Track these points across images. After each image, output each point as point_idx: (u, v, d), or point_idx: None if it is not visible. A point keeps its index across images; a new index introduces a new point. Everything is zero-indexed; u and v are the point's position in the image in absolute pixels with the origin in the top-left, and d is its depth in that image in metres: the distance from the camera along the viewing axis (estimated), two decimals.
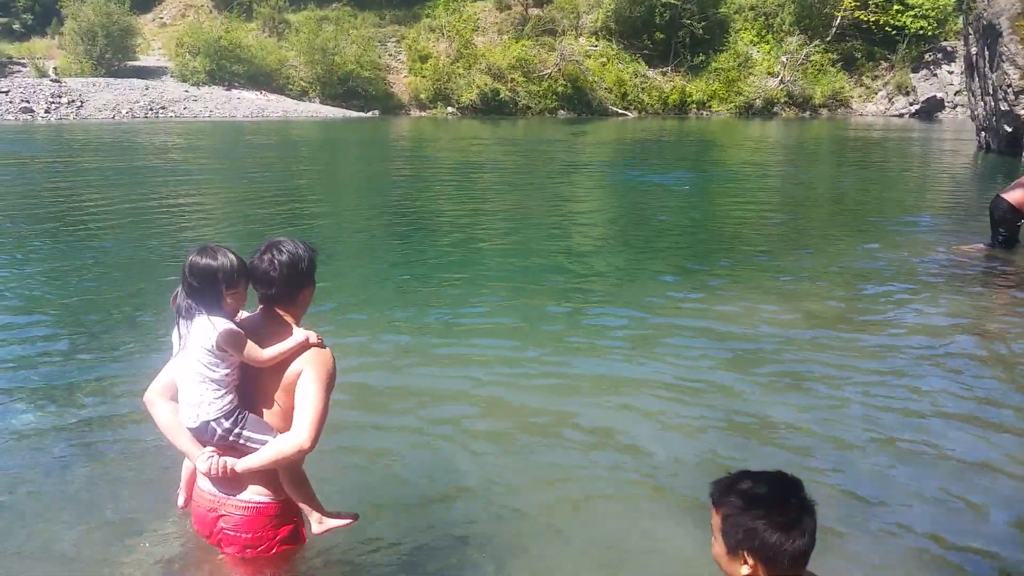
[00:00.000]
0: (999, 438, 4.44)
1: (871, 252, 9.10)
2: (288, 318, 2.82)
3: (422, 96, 38.90)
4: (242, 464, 2.75)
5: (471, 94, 38.02)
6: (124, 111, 30.96)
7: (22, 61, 37.37)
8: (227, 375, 2.72)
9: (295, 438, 2.67)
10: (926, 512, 3.72)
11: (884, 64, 41.56)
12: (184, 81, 36.67)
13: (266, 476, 2.81)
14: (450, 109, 38.48)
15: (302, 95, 38.23)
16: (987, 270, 8.38)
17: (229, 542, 2.87)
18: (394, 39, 42.01)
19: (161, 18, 45.39)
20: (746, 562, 1.90)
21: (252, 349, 2.70)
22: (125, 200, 12.41)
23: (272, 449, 2.72)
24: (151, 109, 31.69)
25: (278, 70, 38.41)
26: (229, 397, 2.74)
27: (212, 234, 9.98)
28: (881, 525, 3.59)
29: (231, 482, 2.80)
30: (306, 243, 2.83)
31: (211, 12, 43.38)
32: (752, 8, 42.96)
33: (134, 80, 35.37)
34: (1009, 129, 19.67)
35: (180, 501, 3.15)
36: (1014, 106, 19.06)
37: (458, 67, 38.89)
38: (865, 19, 40.24)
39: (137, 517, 3.55)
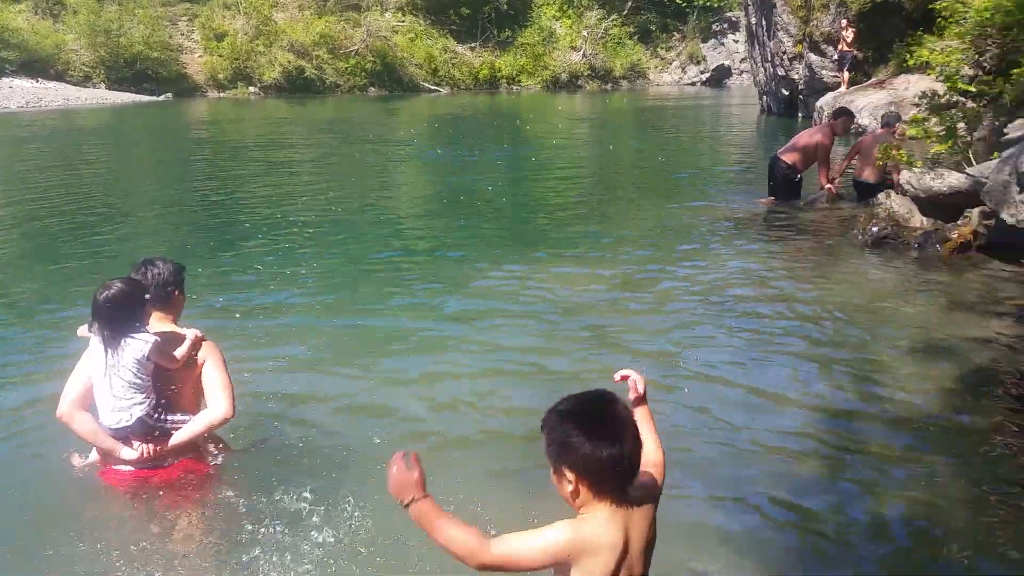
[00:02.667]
0: (783, 379, 4.80)
1: (670, 214, 9.58)
2: (168, 321, 3.48)
3: (220, 76, 36.82)
4: (175, 440, 3.36)
5: (273, 72, 36.46)
6: None
7: None
8: (149, 379, 3.32)
9: (220, 410, 3.35)
10: (712, 460, 3.94)
11: (677, 35, 44.03)
12: None
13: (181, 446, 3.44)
14: (252, 89, 36.73)
15: (85, 81, 35.12)
16: (772, 221, 9.06)
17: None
18: (185, 18, 39.44)
19: None
20: (567, 478, 1.96)
21: (168, 355, 3.33)
22: None
23: (203, 422, 3.38)
24: None
25: (55, 55, 34.97)
26: (151, 397, 3.34)
27: (8, 246, 8.82)
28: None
29: (156, 459, 3.40)
30: (172, 261, 3.55)
31: None
32: None
33: None
34: (786, 92, 21.44)
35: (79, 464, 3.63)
36: (789, 71, 20.77)
37: (258, 44, 37.12)
38: None
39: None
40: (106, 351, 3.26)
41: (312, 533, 3.30)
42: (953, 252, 7.05)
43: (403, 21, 40.80)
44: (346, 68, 37.93)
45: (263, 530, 3.30)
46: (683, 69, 43.19)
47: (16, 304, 6.57)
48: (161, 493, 3.37)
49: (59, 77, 34.67)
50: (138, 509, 3.38)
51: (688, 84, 41.74)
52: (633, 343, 5.34)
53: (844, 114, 9.83)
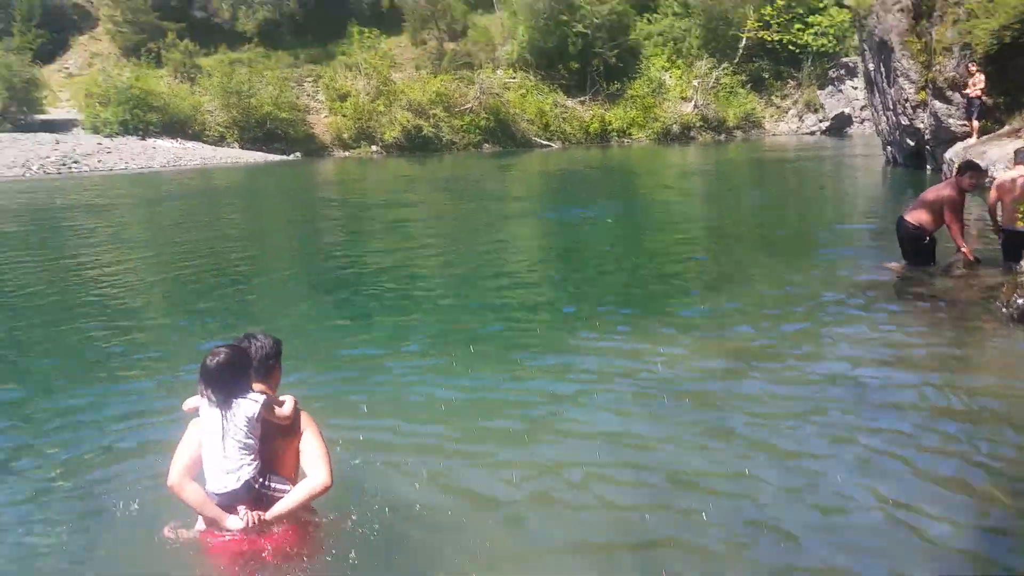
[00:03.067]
0: (928, 471, 4.57)
1: (791, 279, 9.27)
2: (267, 391, 3.66)
3: (344, 136, 38.70)
4: (274, 512, 3.50)
5: (394, 131, 38.02)
6: (35, 167, 29.86)
7: None
8: (256, 443, 3.52)
9: (320, 480, 3.52)
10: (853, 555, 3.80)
11: (792, 83, 43.24)
12: (96, 133, 35.66)
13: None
14: (374, 148, 38.37)
15: (220, 140, 37.61)
16: (903, 289, 8.67)
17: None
18: (310, 78, 41.79)
19: (67, 68, 44.19)
20: None
21: (276, 410, 3.59)
22: (46, 266, 11.92)
23: (304, 492, 3.53)
24: (63, 164, 30.63)
25: (193, 116, 37.71)
26: (258, 460, 3.54)
27: (143, 300, 9.62)
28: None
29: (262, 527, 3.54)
30: (271, 335, 3.78)
31: (118, 60, 42.43)
32: (661, 34, 44.27)
33: (43, 134, 34.24)
34: (911, 143, 20.61)
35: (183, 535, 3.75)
36: (913, 120, 19.99)
37: (378, 105, 38.87)
38: (769, 39, 41.86)
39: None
40: (221, 414, 3.49)
41: None
42: None
43: (514, 77, 41.83)
44: (461, 125, 39.12)
45: None
46: (800, 117, 42.28)
47: (144, 357, 7.05)
48: (263, 561, 3.48)
49: (197, 137, 37.30)
50: None
51: (806, 133, 40.80)
52: (748, 432, 5.10)
53: (971, 168, 9.14)
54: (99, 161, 31.70)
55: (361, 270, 11.22)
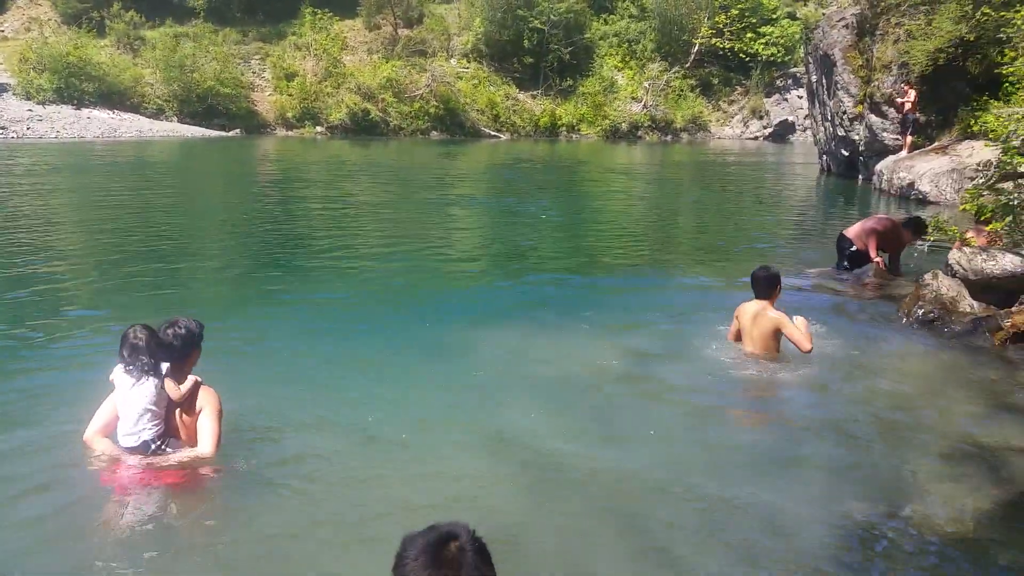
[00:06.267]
0: (795, 491, 4.54)
1: (706, 283, 9.27)
2: (182, 368, 4.35)
3: (288, 115, 37.87)
4: (164, 461, 4.21)
5: (340, 113, 37.36)
6: None
7: None
8: (160, 411, 4.24)
9: (202, 451, 4.26)
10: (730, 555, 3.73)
11: (739, 89, 43.76)
12: (29, 99, 34.27)
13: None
14: (318, 129, 37.66)
15: (158, 113, 36.50)
16: (813, 296, 8.67)
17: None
18: (258, 56, 40.82)
19: (1, 31, 42.43)
20: None
21: (171, 389, 4.27)
22: None
23: (185, 457, 4.27)
24: None
25: (132, 88, 36.48)
26: (161, 425, 4.27)
27: (60, 277, 9.15)
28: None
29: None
30: (196, 320, 4.42)
31: (59, 26, 40.88)
32: (616, 35, 44.40)
33: None
34: (846, 153, 21.02)
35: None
36: (849, 132, 20.37)
37: (326, 86, 38.17)
38: (721, 46, 42.32)
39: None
40: (133, 383, 4.19)
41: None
42: (1005, 342, 6.66)
43: (467, 68, 41.51)
44: (410, 112, 38.65)
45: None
46: (745, 123, 42.82)
47: (69, 325, 6.77)
48: (151, 488, 4.16)
49: (135, 109, 36.07)
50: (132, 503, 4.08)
51: (750, 138, 41.38)
52: (629, 433, 5.07)
53: (917, 229, 9.15)
54: (28, 128, 30.47)
55: (281, 252, 10.95)
